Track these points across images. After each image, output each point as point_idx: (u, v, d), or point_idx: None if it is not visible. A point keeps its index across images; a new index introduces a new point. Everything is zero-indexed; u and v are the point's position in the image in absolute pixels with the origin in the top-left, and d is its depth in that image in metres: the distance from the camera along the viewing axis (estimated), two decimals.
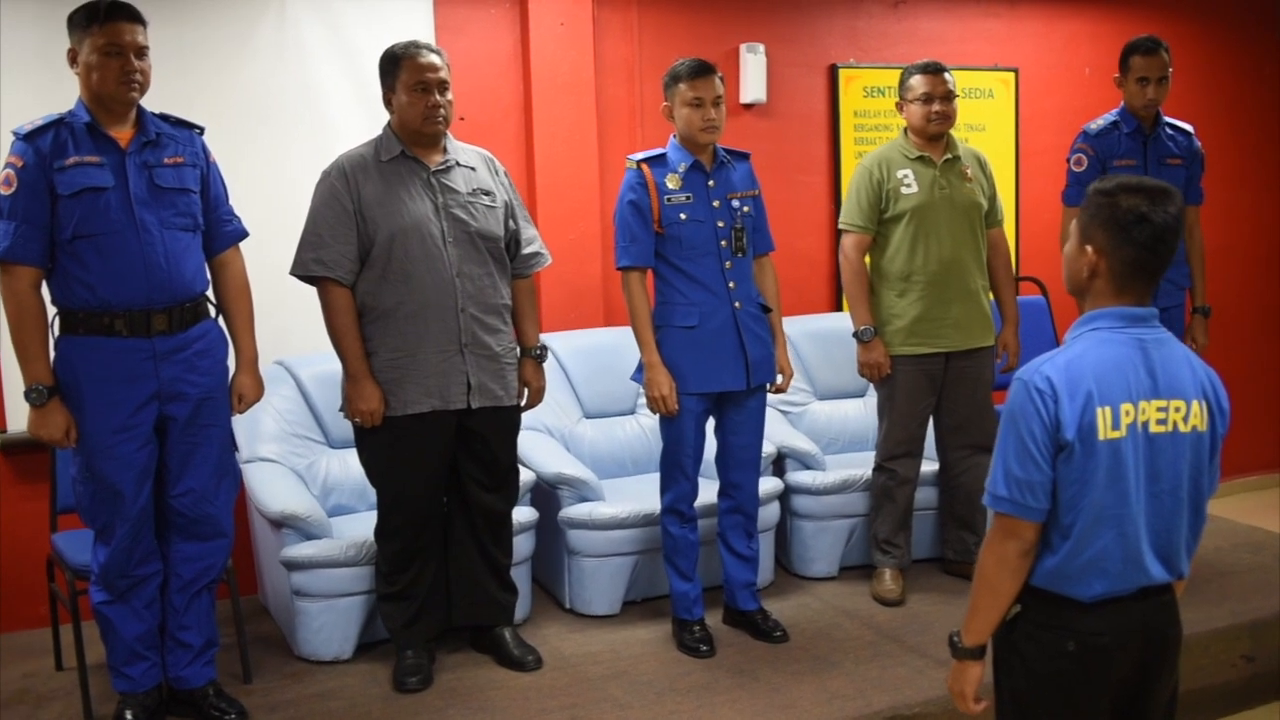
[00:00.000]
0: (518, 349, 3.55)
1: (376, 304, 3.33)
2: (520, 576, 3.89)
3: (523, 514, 3.90)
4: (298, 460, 4.02)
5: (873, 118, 5.27)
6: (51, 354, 3.03)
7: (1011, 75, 5.54)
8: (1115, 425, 2.05)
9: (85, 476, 3.07)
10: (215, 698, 3.26)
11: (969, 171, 3.98)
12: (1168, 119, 4.23)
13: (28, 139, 2.95)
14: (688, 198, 3.53)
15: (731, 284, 3.55)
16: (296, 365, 4.13)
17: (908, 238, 3.91)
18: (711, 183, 3.56)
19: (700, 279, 3.53)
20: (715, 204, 3.55)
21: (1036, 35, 5.58)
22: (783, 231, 5.05)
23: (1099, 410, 2.04)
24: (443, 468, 3.46)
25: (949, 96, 3.90)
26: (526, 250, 3.56)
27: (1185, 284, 4.28)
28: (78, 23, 3.00)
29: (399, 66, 3.32)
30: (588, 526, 3.93)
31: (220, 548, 3.24)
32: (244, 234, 3.29)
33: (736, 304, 3.55)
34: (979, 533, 4.13)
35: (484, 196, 3.43)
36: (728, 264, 3.55)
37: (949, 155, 3.97)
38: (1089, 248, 2.13)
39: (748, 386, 3.58)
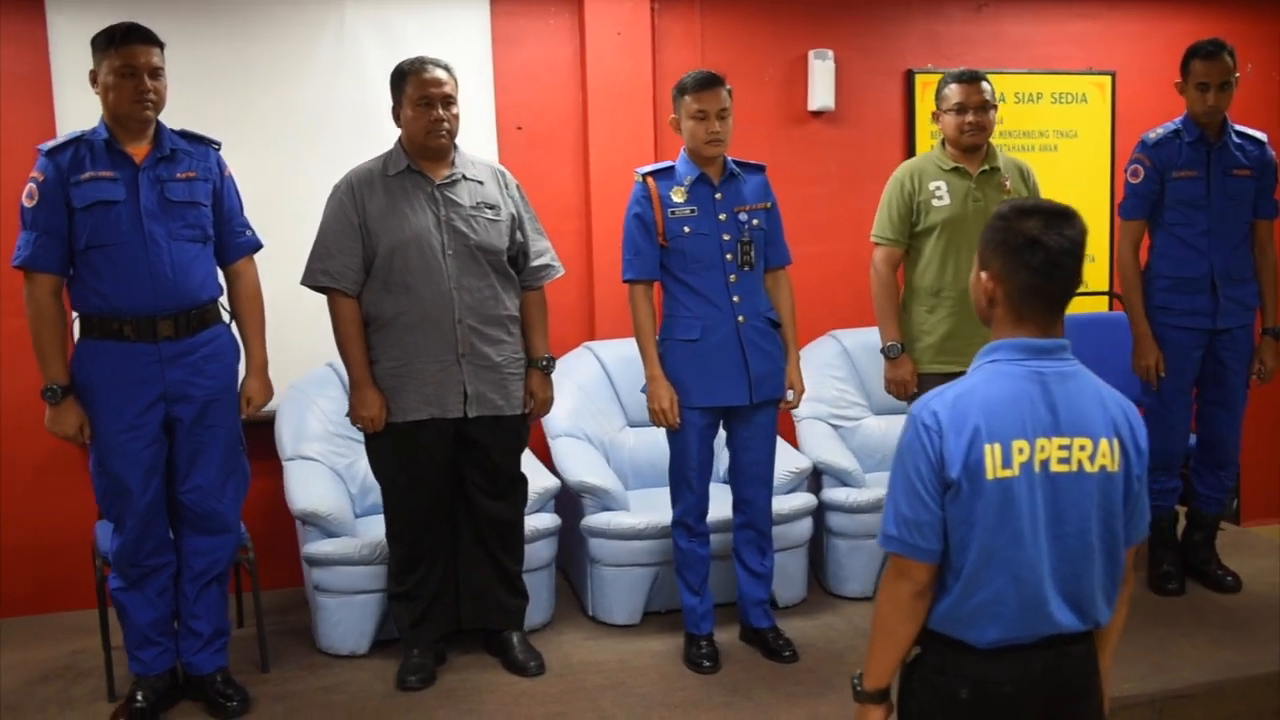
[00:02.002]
0: (524, 359, 3.59)
1: (379, 314, 3.43)
2: (541, 581, 3.95)
3: (544, 520, 3.96)
4: (339, 460, 4.17)
5: None
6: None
7: (1107, 79, 5.27)
8: (1006, 464, 1.94)
9: (99, 471, 3.27)
10: (222, 684, 3.42)
11: (1008, 183, 3.82)
12: (1238, 127, 3.97)
13: (49, 155, 3.16)
14: (692, 211, 3.50)
15: (736, 298, 3.51)
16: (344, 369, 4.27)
17: (938, 252, 3.79)
18: (718, 195, 3.53)
19: (703, 292, 3.51)
20: (721, 217, 3.52)
21: (1136, 37, 5.30)
22: (850, 242, 4.99)
23: (987, 447, 1.93)
24: (443, 474, 3.53)
25: (985, 107, 3.74)
26: (536, 263, 3.60)
27: (1254, 303, 4.01)
28: (98, 45, 3.20)
29: (405, 81, 3.42)
30: (606, 535, 3.95)
31: (227, 543, 3.40)
32: (258, 245, 3.45)
33: (740, 318, 3.51)
34: None
35: (487, 210, 3.48)
36: (732, 277, 3.51)
37: (986, 166, 3.81)
38: (984, 274, 2.04)
39: (750, 401, 3.53)
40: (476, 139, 4.62)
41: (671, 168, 3.57)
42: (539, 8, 4.65)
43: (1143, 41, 5.31)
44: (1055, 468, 1.96)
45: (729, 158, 3.58)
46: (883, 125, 5.07)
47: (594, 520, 3.98)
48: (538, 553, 3.93)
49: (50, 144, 3.20)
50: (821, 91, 4.92)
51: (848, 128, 5.02)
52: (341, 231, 3.41)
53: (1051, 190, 5.18)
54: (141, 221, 3.16)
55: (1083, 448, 1.98)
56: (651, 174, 3.56)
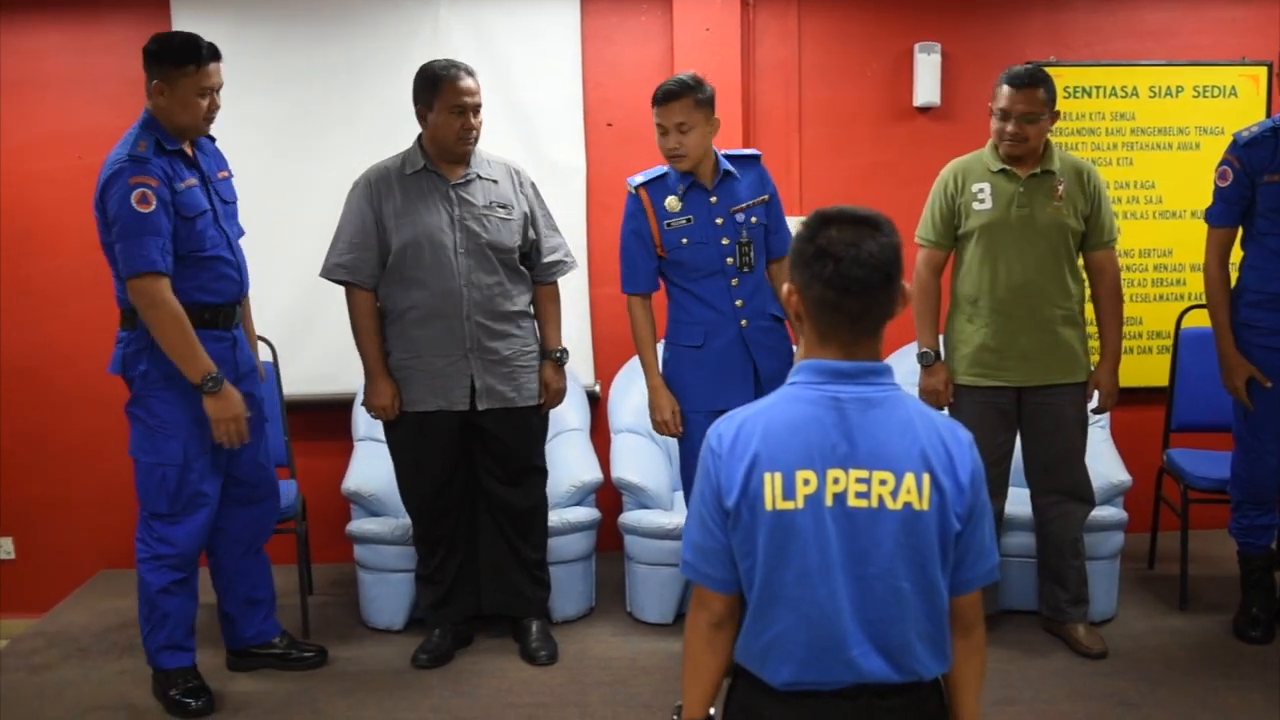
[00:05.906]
0: (537, 351, 3.66)
1: (392, 307, 3.58)
2: (575, 574, 4.02)
3: (580, 514, 4.03)
4: None
5: (1076, 120, 4.77)
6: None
7: (1263, 70, 4.77)
8: (788, 495, 1.78)
9: (182, 463, 3.30)
10: (288, 645, 3.69)
11: (1061, 188, 3.55)
12: None
13: (152, 161, 3.18)
14: (688, 220, 3.43)
15: (738, 302, 3.44)
16: None
17: (977, 258, 3.58)
18: (714, 199, 3.44)
19: (706, 298, 3.45)
20: (718, 221, 3.43)
21: None
22: None
23: (766, 476, 1.79)
24: (451, 463, 3.65)
25: (1030, 118, 3.47)
26: (548, 259, 3.67)
27: None
28: (170, 59, 3.24)
29: (439, 86, 3.48)
30: (638, 533, 3.97)
31: (271, 507, 3.64)
32: (242, 231, 3.57)
33: (743, 321, 3.44)
34: (1071, 590, 3.70)
35: (500, 209, 3.56)
36: (734, 282, 3.44)
37: (1038, 170, 3.56)
38: (786, 286, 1.89)
39: None
40: (565, 136, 4.73)
41: (665, 175, 3.49)
42: (629, 5, 4.68)
43: None
44: (853, 502, 1.79)
45: (721, 154, 3.48)
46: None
47: (628, 517, 4.00)
48: (573, 545, 3.99)
49: (144, 152, 3.20)
50: (927, 87, 4.71)
51: (955, 124, 4.78)
52: (358, 227, 3.56)
53: (1192, 192, 4.81)
54: (221, 225, 3.38)
55: (883, 482, 1.79)
56: (644, 185, 3.50)
